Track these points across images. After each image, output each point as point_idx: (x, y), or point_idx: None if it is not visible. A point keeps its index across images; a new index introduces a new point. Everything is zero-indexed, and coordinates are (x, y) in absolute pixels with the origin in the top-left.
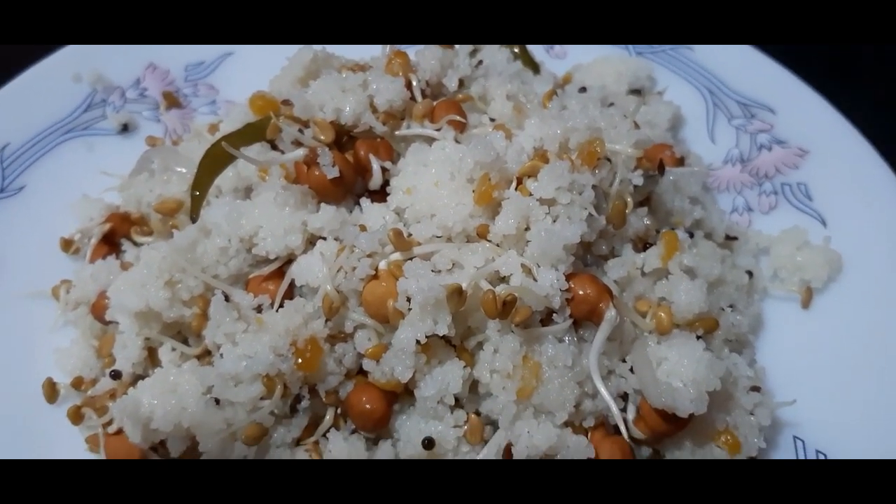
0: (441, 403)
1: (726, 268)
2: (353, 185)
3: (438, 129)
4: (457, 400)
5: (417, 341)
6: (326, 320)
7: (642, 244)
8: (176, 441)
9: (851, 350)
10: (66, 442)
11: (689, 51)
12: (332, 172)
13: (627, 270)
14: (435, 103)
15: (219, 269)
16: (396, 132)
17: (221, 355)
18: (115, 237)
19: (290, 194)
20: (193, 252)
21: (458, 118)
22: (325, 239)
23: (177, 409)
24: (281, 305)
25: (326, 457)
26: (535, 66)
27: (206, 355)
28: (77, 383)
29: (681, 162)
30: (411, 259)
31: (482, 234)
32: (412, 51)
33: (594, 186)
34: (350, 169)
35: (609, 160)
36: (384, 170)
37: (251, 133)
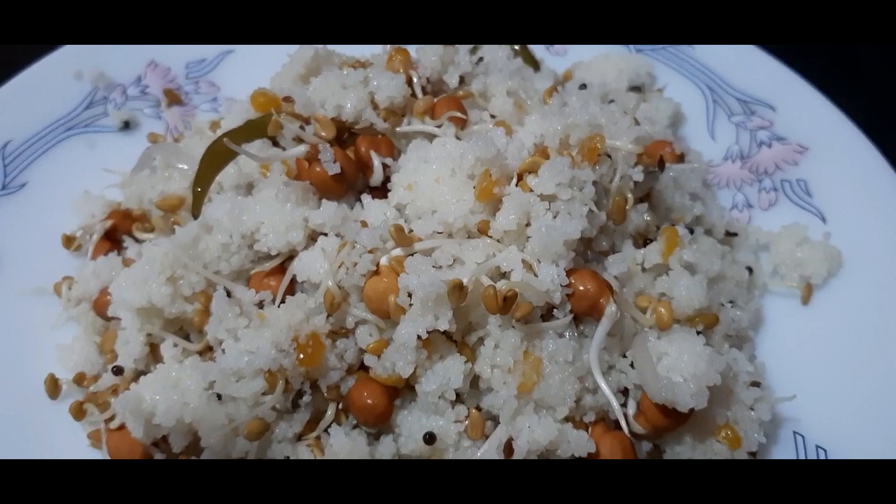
0: (442, 398)
1: (726, 264)
2: (354, 182)
3: (439, 126)
4: (458, 395)
5: (418, 337)
6: (328, 316)
7: (642, 240)
8: (178, 436)
9: (851, 345)
10: (68, 437)
11: (690, 48)
12: (334, 169)
13: (628, 266)
14: (436, 100)
15: (220, 266)
16: (397, 129)
17: (223, 351)
18: (116, 234)
19: (291, 191)
20: (195, 248)
21: (458, 115)
22: (326, 235)
23: (179, 405)
24: (282, 301)
25: (328, 451)
26: (535, 64)
27: (207, 351)
28: (79, 379)
29: (681, 158)
30: (412, 255)
31: (483, 229)
32: (413, 48)
33: (594, 182)
34: (351, 165)
35: (609, 156)
36: (385, 166)
37: (252, 130)
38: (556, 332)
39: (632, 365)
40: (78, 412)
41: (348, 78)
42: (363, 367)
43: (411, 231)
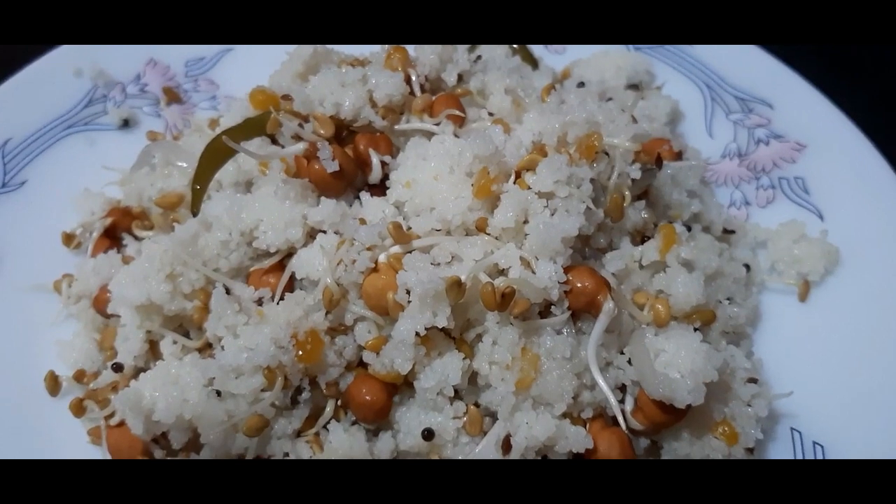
0: (441, 395)
1: (724, 261)
2: (352, 179)
3: (437, 124)
4: (456, 391)
5: (417, 333)
6: (327, 313)
7: (640, 237)
8: (177, 433)
9: (848, 342)
10: (68, 434)
11: (688, 46)
12: (332, 166)
13: (625, 263)
14: (434, 98)
15: (220, 263)
16: (396, 126)
17: (223, 348)
18: (116, 231)
19: (290, 188)
20: (194, 245)
21: (456, 112)
22: (325, 232)
23: (178, 402)
24: (282, 298)
25: (327, 448)
26: (533, 62)
27: (207, 348)
28: (79, 376)
29: (679, 156)
30: (411, 252)
31: (481, 227)
32: (411, 47)
33: (592, 180)
34: (350, 163)
35: (607, 154)
36: (384, 164)
37: (251, 127)
38: (554, 329)
39: (629, 361)
40: (78, 409)
41: (347, 76)
42: (362, 364)
43: (410, 228)
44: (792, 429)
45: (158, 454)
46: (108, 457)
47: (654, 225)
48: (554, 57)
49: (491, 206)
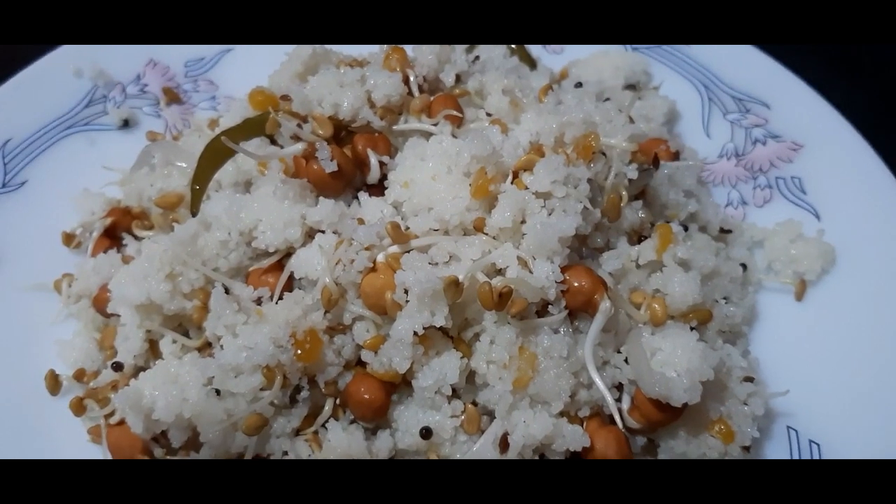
0: (438, 394)
1: (720, 260)
2: (351, 179)
3: (435, 124)
4: (454, 390)
5: (415, 332)
6: (325, 312)
7: (637, 237)
8: (177, 431)
9: (845, 341)
10: (68, 433)
11: (685, 46)
12: (331, 166)
13: (622, 263)
14: (432, 98)
15: (219, 262)
16: (394, 127)
17: (222, 347)
18: (116, 231)
19: (289, 188)
20: (194, 245)
21: (454, 113)
22: (323, 232)
23: (178, 400)
24: (280, 298)
25: (326, 446)
26: (531, 62)
27: (206, 347)
28: (79, 375)
29: (676, 156)
30: (409, 252)
31: (479, 227)
32: (409, 47)
33: (589, 180)
34: (348, 163)
35: (604, 154)
36: (382, 164)
37: (250, 128)
38: (552, 328)
39: (626, 360)
40: (78, 408)
41: (345, 76)
42: (360, 363)
43: (408, 228)
44: (788, 427)
45: (158, 453)
46: (109, 455)
47: (651, 224)
48: (552, 57)
49: (488, 206)
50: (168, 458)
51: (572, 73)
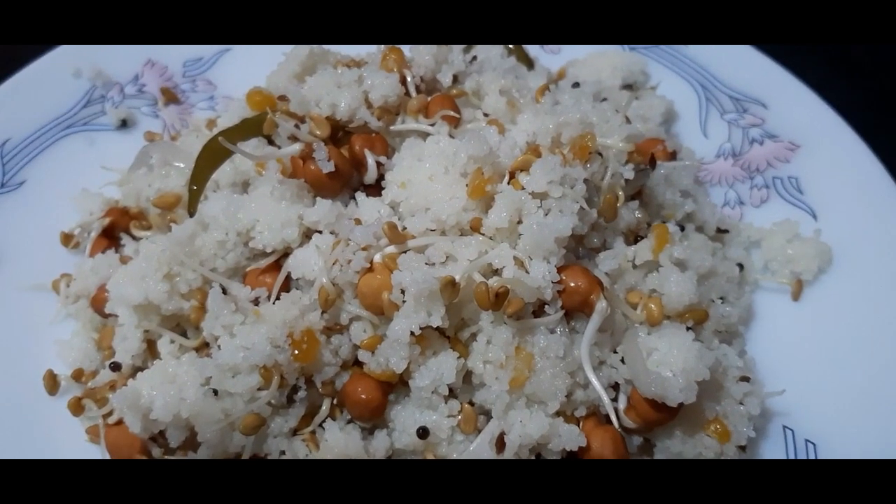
0: (435, 393)
1: (717, 260)
2: (348, 180)
3: (433, 124)
4: (451, 390)
5: (412, 332)
6: (322, 312)
7: (634, 237)
8: (175, 431)
9: (841, 341)
10: (66, 433)
11: (683, 46)
12: (328, 167)
13: (619, 263)
14: (429, 99)
15: (217, 263)
16: (391, 127)
17: (219, 347)
18: (114, 231)
19: (286, 188)
20: (191, 245)
21: (451, 113)
22: (320, 232)
23: (176, 400)
24: (278, 298)
25: (323, 446)
26: (529, 62)
27: (204, 347)
28: (77, 375)
29: (673, 156)
30: (406, 252)
31: (475, 227)
32: (407, 47)
33: (586, 180)
34: (345, 163)
35: (600, 154)
36: (379, 164)
37: (248, 128)
38: (548, 328)
39: (622, 360)
40: (76, 408)
41: (343, 77)
42: (357, 363)
43: (405, 228)
44: (784, 427)
45: (156, 452)
46: (107, 455)
47: (648, 225)
48: (550, 57)
49: (485, 206)
50: (166, 457)
51: (570, 73)
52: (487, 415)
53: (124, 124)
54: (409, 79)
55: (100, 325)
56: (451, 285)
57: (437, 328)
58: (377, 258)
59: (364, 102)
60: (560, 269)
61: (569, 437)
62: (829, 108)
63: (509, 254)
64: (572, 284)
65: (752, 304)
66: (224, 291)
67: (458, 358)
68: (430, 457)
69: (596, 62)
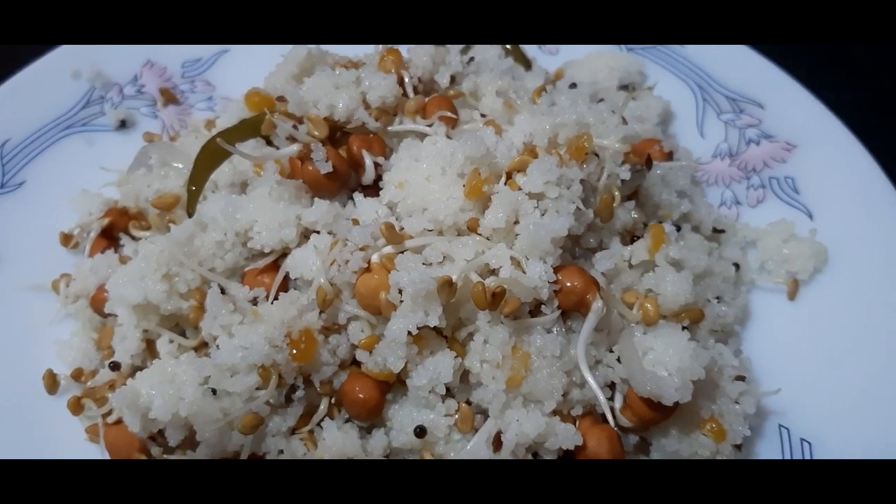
0: (433, 393)
1: (713, 260)
2: (346, 180)
3: (430, 125)
4: (448, 389)
5: (409, 332)
6: (320, 312)
7: (630, 237)
8: (174, 430)
9: (836, 340)
10: (66, 432)
11: (680, 47)
12: (326, 167)
13: (615, 263)
14: (427, 99)
15: (215, 263)
16: (389, 128)
17: (218, 346)
18: (113, 231)
19: (284, 189)
20: (190, 246)
21: (449, 114)
22: (318, 233)
23: (174, 399)
24: (276, 298)
25: (321, 445)
26: (526, 62)
27: (203, 347)
28: (77, 374)
29: (669, 156)
30: (403, 252)
31: (472, 227)
32: (404, 48)
33: (582, 181)
34: (343, 164)
35: (597, 155)
36: (377, 165)
37: (246, 129)
38: (544, 328)
39: (618, 359)
40: (76, 407)
41: (341, 78)
42: (355, 363)
43: (402, 229)
44: (780, 426)
45: (155, 451)
46: (106, 454)
47: (644, 225)
48: (547, 58)
49: (482, 206)
50: (165, 457)
51: (567, 73)
52: (484, 414)
53: (123, 125)
54: (406, 80)
55: (99, 324)
56: (448, 285)
57: (435, 328)
58: (375, 258)
59: (362, 103)
60: (556, 269)
61: (565, 436)
62: (825, 108)
63: (506, 254)
64: (569, 284)
65: (748, 303)
66: (223, 291)
67: (456, 357)
68: (427, 456)
69: (593, 63)
